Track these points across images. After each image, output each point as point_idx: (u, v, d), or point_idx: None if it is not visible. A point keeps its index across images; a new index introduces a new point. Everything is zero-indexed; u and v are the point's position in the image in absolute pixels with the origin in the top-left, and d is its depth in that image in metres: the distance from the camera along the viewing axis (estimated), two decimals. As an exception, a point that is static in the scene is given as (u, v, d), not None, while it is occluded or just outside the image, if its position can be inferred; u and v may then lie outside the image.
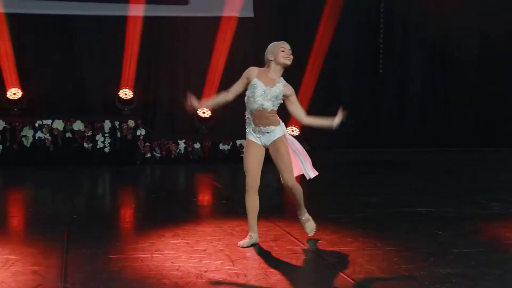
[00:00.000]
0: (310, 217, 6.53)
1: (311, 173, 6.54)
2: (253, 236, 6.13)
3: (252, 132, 6.33)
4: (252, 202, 6.24)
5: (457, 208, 7.96)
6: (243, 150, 6.43)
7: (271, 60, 6.33)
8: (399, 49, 14.07)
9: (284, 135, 6.35)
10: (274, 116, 6.31)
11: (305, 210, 6.54)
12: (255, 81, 6.31)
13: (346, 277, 5.19)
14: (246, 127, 6.36)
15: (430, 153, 13.41)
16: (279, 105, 6.34)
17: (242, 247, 6.02)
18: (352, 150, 13.53)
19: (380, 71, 14.06)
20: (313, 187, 9.99)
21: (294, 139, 6.48)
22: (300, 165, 6.46)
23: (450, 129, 14.12)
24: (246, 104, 6.36)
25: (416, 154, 13.27)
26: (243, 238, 6.20)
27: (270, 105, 6.28)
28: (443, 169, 11.73)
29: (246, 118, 6.36)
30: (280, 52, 6.31)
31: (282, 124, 6.39)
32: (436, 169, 11.66)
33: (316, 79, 13.25)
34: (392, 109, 14.14)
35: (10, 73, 12.33)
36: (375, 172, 11.27)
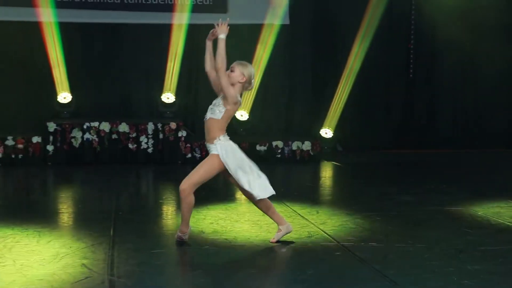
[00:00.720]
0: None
1: (260, 193, 5.85)
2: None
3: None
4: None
5: (485, 207, 7.87)
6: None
7: (240, 83, 5.89)
8: (429, 55, 13.95)
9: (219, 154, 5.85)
10: (213, 131, 5.93)
11: (189, 227, 5.97)
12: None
13: (378, 272, 5.17)
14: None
15: (460, 155, 13.27)
16: (221, 113, 5.91)
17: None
18: (384, 151, 13.44)
19: (411, 75, 13.96)
20: (348, 187, 9.98)
21: (242, 157, 5.95)
22: (246, 186, 5.82)
23: (479, 131, 13.96)
24: None
25: (446, 155, 13.14)
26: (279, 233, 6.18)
27: (209, 114, 5.97)
28: (472, 169, 11.61)
29: None
30: (247, 86, 5.93)
31: (224, 142, 5.92)
32: (466, 170, 11.54)
33: (352, 83, 13.21)
34: (422, 112, 14.02)
35: (61, 78, 12.50)
36: (406, 173, 11.19)
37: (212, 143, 5.84)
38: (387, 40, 13.60)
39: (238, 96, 5.83)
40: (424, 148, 13.76)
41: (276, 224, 6.16)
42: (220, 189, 9.04)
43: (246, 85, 5.89)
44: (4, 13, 12.41)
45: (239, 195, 7.96)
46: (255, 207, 6.15)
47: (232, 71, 5.86)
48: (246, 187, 5.78)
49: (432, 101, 14.04)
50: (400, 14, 13.67)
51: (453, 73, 14.05)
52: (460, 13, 13.41)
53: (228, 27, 5.88)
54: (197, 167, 5.85)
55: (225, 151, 5.80)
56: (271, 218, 6.12)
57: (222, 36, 5.78)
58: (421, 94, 13.99)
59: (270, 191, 5.88)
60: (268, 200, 6.04)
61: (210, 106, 5.94)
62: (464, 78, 14.12)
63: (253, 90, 12.89)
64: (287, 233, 6.10)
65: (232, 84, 5.86)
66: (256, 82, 12.89)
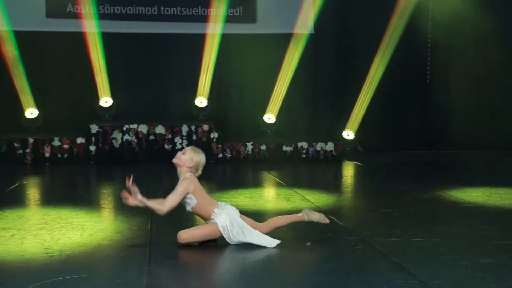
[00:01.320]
0: None
1: (271, 242, 5.68)
2: None
3: None
4: None
5: (498, 204, 7.80)
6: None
7: (188, 167, 5.77)
8: (444, 62, 13.84)
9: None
10: (203, 213, 5.75)
11: None
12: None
13: (397, 265, 5.15)
14: None
15: (475, 155, 13.14)
16: (193, 199, 5.71)
17: None
18: (402, 152, 13.37)
19: (428, 81, 13.87)
20: (369, 186, 9.94)
21: (238, 221, 5.71)
22: (256, 243, 5.67)
23: (494, 133, 13.82)
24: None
25: (461, 156, 13.03)
26: (305, 230, 6.17)
27: (187, 208, 5.82)
28: (487, 169, 11.50)
29: None
30: (194, 171, 5.81)
31: (219, 215, 5.70)
32: (481, 170, 11.43)
33: (374, 89, 13.18)
34: (438, 115, 13.91)
35: (103, 84, 12.62)
36: (423, 172, 11.11)
37: (211, 219, 5.75)
38: (406, 48, 13.52)
39: (189, 186, 5.67)
40: (441, 149, 13.66)
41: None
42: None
43: (193, 170, 5.79)
44: (53, 24, 12.58)
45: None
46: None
47: (183, 153, 5.80)
48: (257, 243, 5.67)
49: (447, 105, 13.92)
50: (418, 24, 13.57)
51: (467, 78, 13.92)
52: (472, 22, 13.33)
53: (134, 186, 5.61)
54: (202, 226, 5.77)
55: (222, 228, 5.66)
56: (291, 222, 6.08)
57: (139, 198, 5.62)
58: (437, 99, 13.88)
59: (274, 240, 5.74)
60: (276, 221, 5.98)
61: (183, 202, 5.76)
62: (477, 82, 14.00)
63: (280, 96, 12.99)
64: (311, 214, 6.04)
65: (180, 166, 5.77)
66: (284, 87, 12.98)
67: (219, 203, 5.83)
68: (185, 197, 5.71)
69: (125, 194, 5.62)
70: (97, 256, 5.46)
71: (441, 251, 5.60)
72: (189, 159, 5.75)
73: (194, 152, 5.80)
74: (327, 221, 6.05)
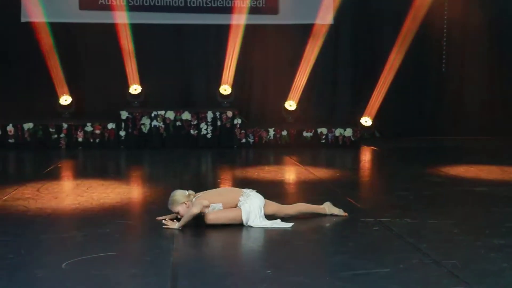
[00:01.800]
0: None
1: (286, 225, 5.75)
2: None
3: None
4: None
5: (509, 187, 7.70)
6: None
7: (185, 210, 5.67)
8: (459, 51, 13.66)
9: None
10: (229, 205, 5.78)
11: None
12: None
13: (412, 245, 5.11)
14: None
15: (488, 141, 12.98)
16: (217, 207, 5.75)
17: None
18: (418, 137, 13.26)
19: (443, 69, 13.71)
20: (386, 170, 9.88)
21: (257, 211, 5.74)
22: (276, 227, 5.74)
23: (506, 119, 13.63)
24: None
25: (475, 141, 12.88)
26: (324, 210, 6.14)
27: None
28: (499, 154, 11.35)
29: None
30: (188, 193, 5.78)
31: (244, 203, 5.74)
32: (493, 154, 11.29)
33: (392, 76, 13.04)
34: (453, 102, 13.76)
35: (133, 72, 12.66)
36: (438, 157, 11.01)
37: (238, 206, 5.78)
38: (423, 38, 13.35)
39: (200, 205, 5.64)
40: (455, 135, 13.52)
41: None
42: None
43: (188, 203, 5.70)
44: (85, 16, 12.62)
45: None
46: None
47: (178, 212, 5.72)
48: (277, 227, 5.72)
49: (462, 92, 13.76)
50: (435, 14, 13.39)
51: (482, 66, 13.73)
52: (487, 11, 13.16)
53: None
54: (228, 210, 5.76)
55: (244, 215, 5.70)
56: (314, 212, 6.09)
57: (178, 226, 5.63)
58: (452, 86, 13.72)
59: (288, 224, 5.78)
60: (301, 206, 6.06)
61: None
62: (491, 70, 13.80)
63: (301, 84, 12.93)
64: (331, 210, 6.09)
65: (182, 214, 5.69)
66: (305, 75, 12.91)
67: (244, 191, 5.85)
68: (205, 211, 5.70)
69: (166, 223, 5.70)
70: (126, 235, 5.49)
71: (455, 232, 5.56)
72: (183, 208, 5.68)
73: (175, 204, 5.71)
74: (346, 214, 6.11)
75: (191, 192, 5.80)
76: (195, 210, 5.61)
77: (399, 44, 12.88)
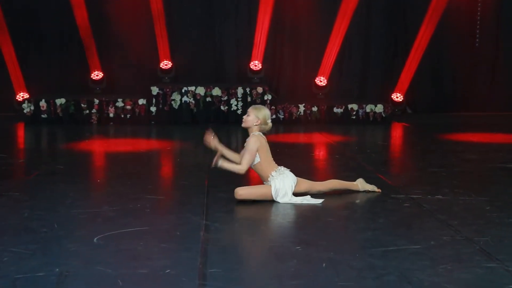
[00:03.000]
0: None
1: (317, 201, 5.74)
2: None
3: None
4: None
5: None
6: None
7: (256, 125, 5.75)
8: (494, 26, 13.37)
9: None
10: (263, 172, 5.78)
11: None
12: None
13: (444, 222, 5.06)
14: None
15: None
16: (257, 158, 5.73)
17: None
18: (449, 113, 13.08)
19: (476, 44, 13.46)
20: (417, 146, 9.78)
21: (287, 190, 5.72)
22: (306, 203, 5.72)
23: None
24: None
25: (509, 117, 12.65)
26: (356, 187, 6.10)
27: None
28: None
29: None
30: (264, 126, 5.79)
31: (276, 178, 5.72)
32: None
33: (422, 52, 12.82)
34: (486, 78, 13.52)
35: (164, 48, 12.67)
36: (470, 133, 10.85)
37: (267, 181, 5.77)
38: (456, 11, 13.10)
39: (256, 143, 5.69)
40: (488, 110, 13.30)
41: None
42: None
43: (262, 126, 5.79)
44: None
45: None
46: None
47: (248, 115, 5.79)
48: (306, 203, 5.70)
49: (494, 68, 13.50)
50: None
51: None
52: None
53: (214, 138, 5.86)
54: (259, 186, 5.80)
55: (274, 191, 5.68)
56: (347, 188, 6.08)
57: (220, 165, 5.66)
58: (485, 62, 13.47)
59: (318, 200, 5.77)
60: (333, 183, 6.02)
61: None
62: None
63: (331, 59, 12.80)
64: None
65: (249, 127, 5.78)
66: (335, 51, 12.77)
67: (279, 167, 5.83)
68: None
69: (209, 133, 5.83)
70: (157, 210, 5.53)
71: (487, 209, 5.49)
72: (254, 119, 5.78)
73: (256, 110, 5.84)
74: (379, 190, 6.07)
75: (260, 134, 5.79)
76: (252, 145, 5.64)
77: (429, 18, 12.64)
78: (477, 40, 13.42)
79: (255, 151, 5.72)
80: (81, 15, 12.33)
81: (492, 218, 5.19)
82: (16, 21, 12.40)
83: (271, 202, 5.69)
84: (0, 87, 12.39)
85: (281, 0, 12.78)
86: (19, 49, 12.43)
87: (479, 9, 13.28)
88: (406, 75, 12.95)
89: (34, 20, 12.68)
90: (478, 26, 13.35)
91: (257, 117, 5.80)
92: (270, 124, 5.89)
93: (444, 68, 13.43)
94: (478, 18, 13.30)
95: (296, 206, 5.58)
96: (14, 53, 12.32)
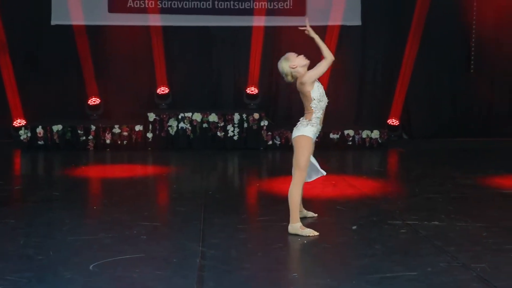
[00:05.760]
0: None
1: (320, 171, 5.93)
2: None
3: (313, 131, 5.74)
4: (301, 195, 5.74)
5: (541, 191, 7.59)
6: (300, 146, 5.69)
7: (297, 71, 5.74)
8: (490, 52, 13.47)
9: None
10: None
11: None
12: (317, 83, 5.72)
13: (440, 248, 5.06)
14: (307, 128, 5.73)
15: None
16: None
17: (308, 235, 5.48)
18: (446, 139, 13.12)
19: (472, 71, 13.53)
20: (414, 171, 9.79)
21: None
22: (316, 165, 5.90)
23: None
24: (314, 108, 5.75)
25: (505, 143, 12.69)
26: (351, 215, 6.11)
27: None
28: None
29: (309, 120, 5.76)
30: (301, 60, 5.77)
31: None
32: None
33: (409, 77, 12.92)
34: (483, 104, 13.57)
35: (161, 73, 12.73)
36: (467, 159, 10.87)
37: (301, 119, 5.89)
38: (450, 38, 13.22)
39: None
40: (485, 136, 13.34)
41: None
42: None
43: (301, 64, 5.82)
44: (115, 18, 12.72)
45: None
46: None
47: (290, 73, 5.82)
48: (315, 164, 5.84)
49: (491, 94, 13.56)
50: (463, 14, 13.26)
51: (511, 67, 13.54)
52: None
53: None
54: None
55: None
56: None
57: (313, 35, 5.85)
58: (482, 87, 13.53)
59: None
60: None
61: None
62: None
63: (327, 85, 12.85)
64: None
65: (299, 75, 5.82)
66: (330, 78, 12.83)
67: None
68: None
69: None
70: (153, 237, 5.52)
71: (484, 235, 5.49)
72: (299, 61, 5.74)
73: (289, 59, 5.77)
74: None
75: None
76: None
77: (411, 44, 12.78)
78: (472, 65, 13.47)
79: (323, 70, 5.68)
80: (81, 41, 12.41)
81: (489, 245, 5.19)
82: (16, 45, 12.46)
83: (268, 230, 5.68)
84: (-3, 113, 12.40)
85: (278, 27, 12.88)
86: (17, 75, 12.46)
87: (473, 35, 13.38)
88: (398, 101, 13.01)
89: (31, 46, 12.74)
90: (472, 52, 13.43)
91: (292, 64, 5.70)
92: (286, 79, 5.83)
93: (440, 94, 13.48)
94: (473, 43, 13.39)
95: (291, 234, 5.53)
96: (14, 79, 12.34)
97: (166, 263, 4.78)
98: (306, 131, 5.68)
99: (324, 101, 5.78)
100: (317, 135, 5.77)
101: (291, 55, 5.70)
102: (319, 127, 5.77)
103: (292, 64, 5.64)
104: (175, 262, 4.76)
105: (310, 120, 5.66)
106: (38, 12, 12.61)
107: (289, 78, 5.72)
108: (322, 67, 5.61)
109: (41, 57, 12.80)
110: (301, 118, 5.76)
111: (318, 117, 5.75)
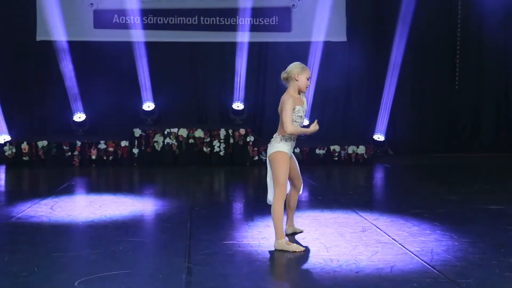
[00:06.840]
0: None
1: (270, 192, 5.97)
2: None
3: (288, 146, 5.75)
4: (283, 210, 5.67)
5: (525, 206, 7.65)
6: (277, 162, 5.70)
7: (296, 80, 5.68)
8: (475, 68, 13.61)
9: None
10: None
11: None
12: (297, 107, 5.68)
13: (425, 265, 5.08)
14: (281, 143, 5.74)
15: (504, 158, 12.90)
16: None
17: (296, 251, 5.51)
18: (431, 155, 13.21)
19: (456, 87, 13.66)
20: (398, 187, 9.84)
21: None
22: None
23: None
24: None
25: (490, 159, 12.81)
26: (336, 229, 6.13)
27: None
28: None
29: (282, 136, 5.75)
30: (306, 81, 5.69)
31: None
32: (508, 172, 11.22)
33: (393, 93, 13.06)
34: (468, 120, 13.70)
35: (146, 89, 12.74)
36: (453, 174, 10.95)
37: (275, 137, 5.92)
38: (435, 53, 13.37)
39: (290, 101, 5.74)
40: (470, 152, 13.45)
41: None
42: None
43: (301, 87, 5.79)
44: (100, 34, 12.76)
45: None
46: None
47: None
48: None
49: (476, 110, 13.71)
50: (447, 28, 13.43)
51: (497, 83, 13.69)
52: (504, 26, 13.20)
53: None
54: (295, 169, 6.01)
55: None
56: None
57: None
58: (467, 104, 13.67)
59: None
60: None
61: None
62: (507, 88, 13.73)
63: (313, 102, 12.94)
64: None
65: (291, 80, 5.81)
66: (317, 93, 12.91)
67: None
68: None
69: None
70: (139, 253, 5.50)
71: (470, 250, 5.52)
72: (294, 72, 5.69)
73: (296, 65, 5.76)
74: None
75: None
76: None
77: (395, 60, 12.94)
78: (457, 81, 13.61)
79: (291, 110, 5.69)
80: (66, 57, 12.41)
81: (475, 260, 5.22)
82: (0, 60, 12.44)
83: (252, 245, 5.67)
84: (-19, 129, 12.34)
85: (264, 42, 12.96)
86: (1, 90, 12.42)
87: (458, 51, 13.52)
88: (383, 116, 13.11)
89: (16, 62, 12.71)
90: (457, 68, 13.57)
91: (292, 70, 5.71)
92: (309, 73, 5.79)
93: (426, 110, 13.59)
94: (457, 59, 13.52)
95: (279, 252, 5.54)
96: (-1, 95, 12.32)
97: (152, 279, 4.76)
98: (281, 146, 5.72)
99: (300, 122, 5.77)
100: (291, 151, 5.75)
101: (306, 71, 5.74)
102: (293, 142, 5.79)
103: (298, 76, 5.68)
104: (161, 278, 4.75)
105: (283, 136, 5.67)
106: (22, 28, 12.61)
107: (284, 76, 5.77)
108: (284, 117, 5.66)
109: (25, 73, 12.78)
110: (275, 134, 5.77)
111: (291, 136, 5.76)
